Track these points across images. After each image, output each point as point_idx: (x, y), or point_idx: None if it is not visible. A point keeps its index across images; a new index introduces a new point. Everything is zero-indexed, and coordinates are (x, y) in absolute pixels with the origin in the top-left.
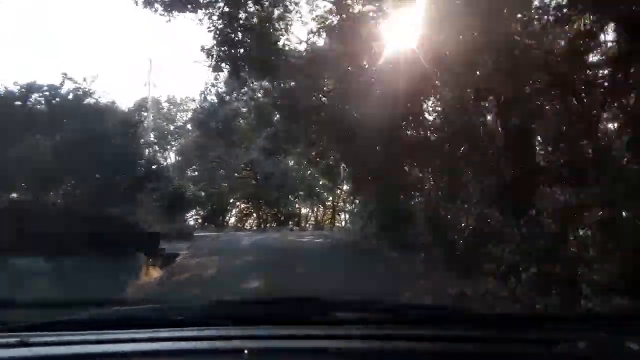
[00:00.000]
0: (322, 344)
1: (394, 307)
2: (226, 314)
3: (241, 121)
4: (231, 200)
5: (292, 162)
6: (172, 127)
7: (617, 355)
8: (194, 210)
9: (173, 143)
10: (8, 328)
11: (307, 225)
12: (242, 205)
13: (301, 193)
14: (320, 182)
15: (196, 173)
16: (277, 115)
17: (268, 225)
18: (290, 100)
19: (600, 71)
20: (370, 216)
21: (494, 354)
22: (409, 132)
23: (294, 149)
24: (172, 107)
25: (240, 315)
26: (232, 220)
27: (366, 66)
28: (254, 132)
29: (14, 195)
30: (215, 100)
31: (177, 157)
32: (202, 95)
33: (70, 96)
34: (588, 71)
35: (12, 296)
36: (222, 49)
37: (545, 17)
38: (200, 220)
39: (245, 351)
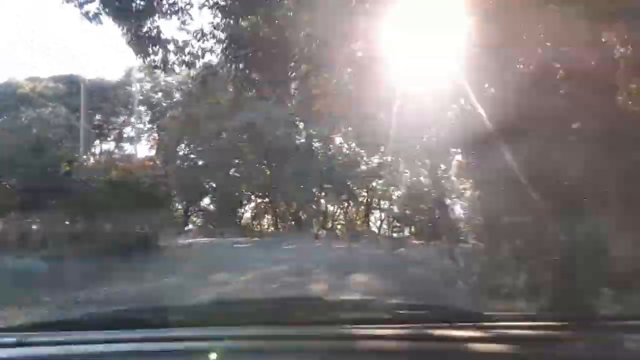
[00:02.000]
0: (322, 344)
1: (394, 307)
2: (226, 314)
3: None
4: (245, 193)
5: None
6: (169, 102)
7: (617, 355)
8: (169, 209)
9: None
10: (6, 328)
11: (337, 227)
12: (258, 201)
13: (329, 186)
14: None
15: (201, 161)
16: None
17: (286, 225)
18: None
19: None
20: None
21: (495, 354)
22: None
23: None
24: (170, 77)
25: (240, 315)
26: (247, 216)
27: None
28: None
29: None
30: None
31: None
32: None
33: None
34: None
35: None
36: None
37: None
38: (203, 221)
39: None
